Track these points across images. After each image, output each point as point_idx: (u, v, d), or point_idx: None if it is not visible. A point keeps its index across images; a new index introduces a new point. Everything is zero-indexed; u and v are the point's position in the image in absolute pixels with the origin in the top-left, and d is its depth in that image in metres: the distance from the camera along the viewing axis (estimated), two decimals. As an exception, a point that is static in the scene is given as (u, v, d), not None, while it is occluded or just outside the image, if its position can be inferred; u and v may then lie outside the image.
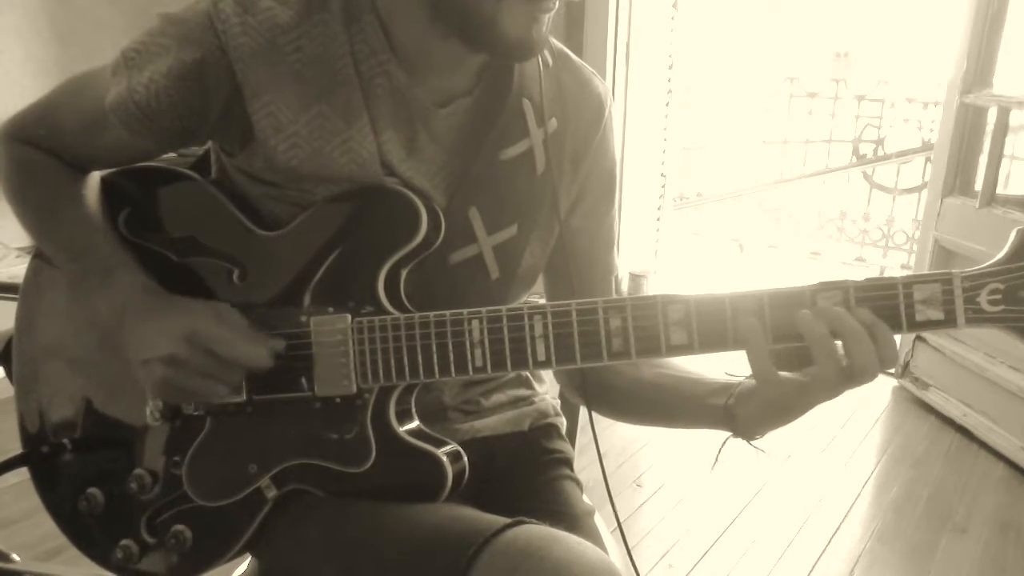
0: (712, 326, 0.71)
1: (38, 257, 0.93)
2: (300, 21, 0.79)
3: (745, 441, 0.80)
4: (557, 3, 0.76)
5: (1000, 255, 0.67)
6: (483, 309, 0.75)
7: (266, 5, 0.79)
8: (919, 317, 0.68)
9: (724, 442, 0.82)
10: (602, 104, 0.93)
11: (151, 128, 0.82)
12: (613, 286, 0.97)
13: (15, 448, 0.92)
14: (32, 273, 0.95)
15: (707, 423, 0.84)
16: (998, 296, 0.66)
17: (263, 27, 0.78)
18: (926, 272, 0.69)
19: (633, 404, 0.94)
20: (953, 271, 0.67)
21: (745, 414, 0.78)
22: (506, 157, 0.86)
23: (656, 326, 0.72)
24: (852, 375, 0.69)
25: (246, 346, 0.78)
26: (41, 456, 0.90)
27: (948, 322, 0.67)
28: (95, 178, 0.91)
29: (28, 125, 0.90)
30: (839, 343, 0.68)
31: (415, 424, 0.83)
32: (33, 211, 0.89)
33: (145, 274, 0.84)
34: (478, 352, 0.76)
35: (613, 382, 0.92)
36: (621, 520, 0.91)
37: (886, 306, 0.68)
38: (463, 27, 0.76)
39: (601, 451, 0.90)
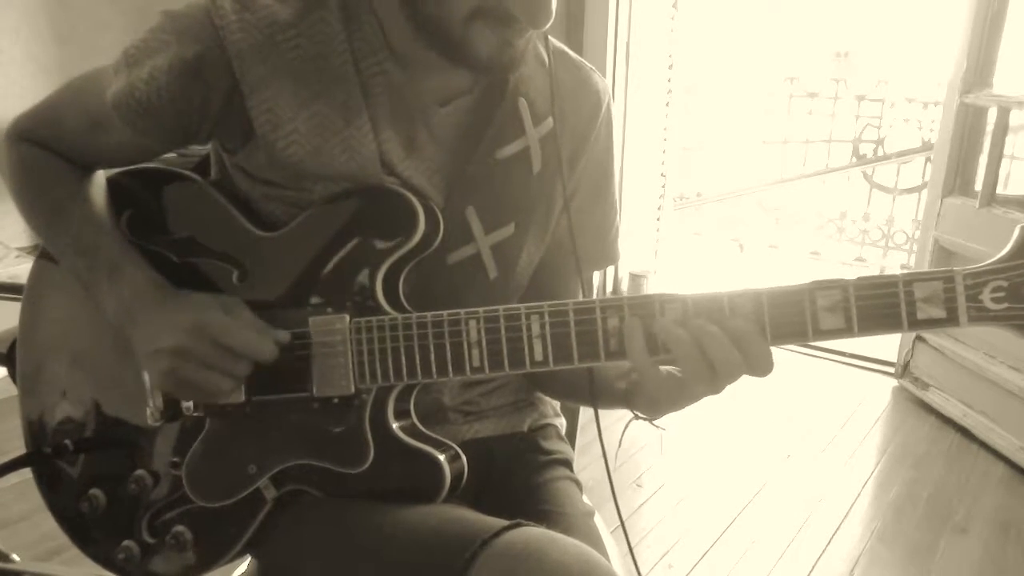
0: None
1: (43, 257, 0.93)
2: (298, 19, 0.79)
3: (647, 421, 0.84)
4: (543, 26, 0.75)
5: (1003, 252, 0.66)
6: (480, 309, 0.75)
7: (264, 3, 0.79)
8: (920, 315, 0.66)
9: (627, 424, 0.84)
10: (600, 100, 0.93)
11: (153, 125, 0.83)
12: (599, 275, 1.00)
13: (15, 448, 0.92)
14: (36, 274, 0.95)
15: (612, 404, 0.87)
16: (1001, 294, 0.65)
17: (261, 24, 0.78)
18: (927, 270, 0.68)
19: (554, 382, 0.98)
20: (955, 268, 0.66)
21: (639, 398, 0.81)
22: (502, 156, 0.86)
23: (654, 325, 0.71)
24: (716, 376, 0.71)
25: (253, 337, 0.78)
26: (44, 457, 0.90)
27: (950, 320, 0.66)
28: (100, 176, 0.91)
29: (33, 125, 0.90)
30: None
31: (413, 425, 0.83)
32: (39, 211, 0.89)
33: (151, 269, 0.84)
34: (475, 352, 0.76)
35: None
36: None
37: (886, 304, 0.67)
38: (437, 44, 0.76)
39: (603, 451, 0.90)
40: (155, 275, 0.83)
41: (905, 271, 0.68)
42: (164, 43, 0.80)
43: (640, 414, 0.85)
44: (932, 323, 0.67)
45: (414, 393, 0.83)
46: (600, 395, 0.88)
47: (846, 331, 0.68)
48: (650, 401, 0.80)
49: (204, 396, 0.82)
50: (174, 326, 0.77)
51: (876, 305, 0.67)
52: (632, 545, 0.90)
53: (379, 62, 0.81)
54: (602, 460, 0.89)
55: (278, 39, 0.79)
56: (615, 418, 0.92)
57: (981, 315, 0.66)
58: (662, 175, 3.56)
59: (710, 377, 0.71)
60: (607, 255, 1.00)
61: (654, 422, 0.84)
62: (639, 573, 0.92)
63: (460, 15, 0.73)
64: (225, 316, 0.78)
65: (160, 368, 0.78)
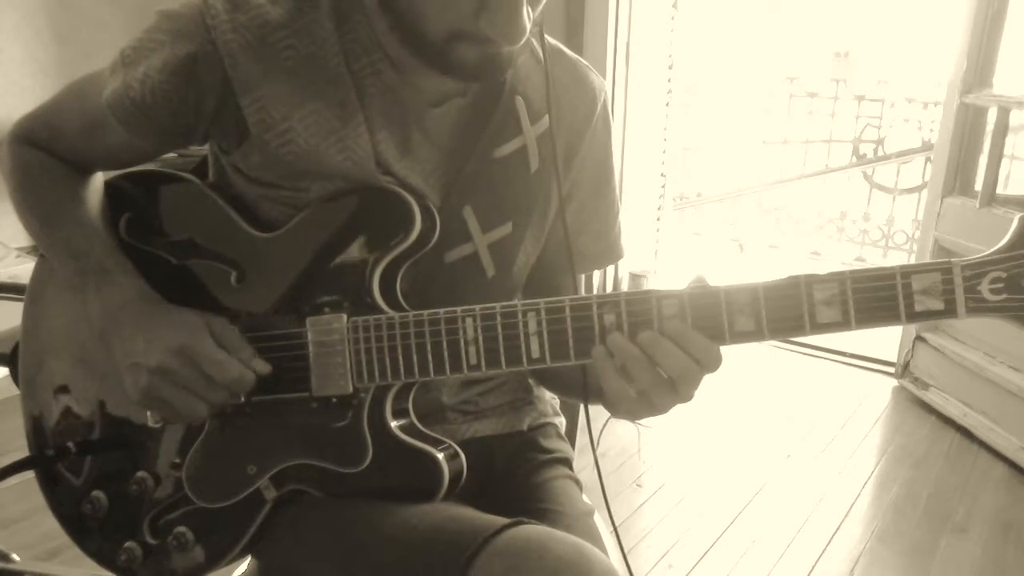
0: (707, 320, 0.70)
1: (44, 257, 0.94)
2: (291, 20, 0.80)
3: (630, 421, 0.83)
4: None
5: (1002, 243, 0.65)
6: (477, 307, 0.75)
7: (256, 3, 0.79)
8: (918, 307, 0.66)
9: (605, 423, 0.83)
10: (595, 98, 0.93)
11: (148, 125, 0.83)
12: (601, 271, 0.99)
13: (16, 448, 0.92)
14: (38, 274, 0.95)
15: (594, 400, 0.86)
16: (1000, 285, 0.64)
17: (252, 24, 0.79)
18: (925, 261, 0.67)
19: (552, 376, 0.98)
20: (953, 260, 0.65)
21: (610, 401, 0.79)
22: (499, 155, 0.86)
23: (651, 321, 0.71)
24: (674, 384, 0.71)
25: (236, 370, 0.78)
26: (46, 459, 0.90)
27: (948, 312, 0.65)
28: (98, 179, 0.92)
29: (33, 127, 0.90)
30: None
31: (412, 424, 0.83)
32: (35, 212, 0.89)
33: (142, 279, 0.84)
34: (472, 350, 0.75)
35: None
36: (622, 520, 0.90)
37: (883, 296, 0.66)
38: (422, 57, 0.76)
39: (601, 451, 0.90)
40: (145, 286, 0.83)
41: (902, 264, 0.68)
42: (158, 43, 0.80)
43: (615, 415, 0.84)
44: (930, 315, 0.66)
45: (412, 392, 0.83)
46: (590, 391, 0.87)
47: (843, 324, 0.68)
48: (619, 407, 0.79)
49: (175, 417, 0.82)
50: (159, 344, 0.77)
51: (873, 298, 0.66)
52: (632, 545, 0.90)
53: (372, 63, 0.82)
54: (604, 459, 0.88)
55: (270, 40, 0.79)
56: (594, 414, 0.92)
57: (979, 306, 0.65)
58: (662, 175, 3.56)
59: (668, 386, 0.71)
60: (611, 252, 0.99)
61: (635, 420, 0.83)
62: (619, 540, 0.90)
63: (440, 37, 0.73)
64: (213, 343, 0.78)
65: (139, 383, 0.78)
